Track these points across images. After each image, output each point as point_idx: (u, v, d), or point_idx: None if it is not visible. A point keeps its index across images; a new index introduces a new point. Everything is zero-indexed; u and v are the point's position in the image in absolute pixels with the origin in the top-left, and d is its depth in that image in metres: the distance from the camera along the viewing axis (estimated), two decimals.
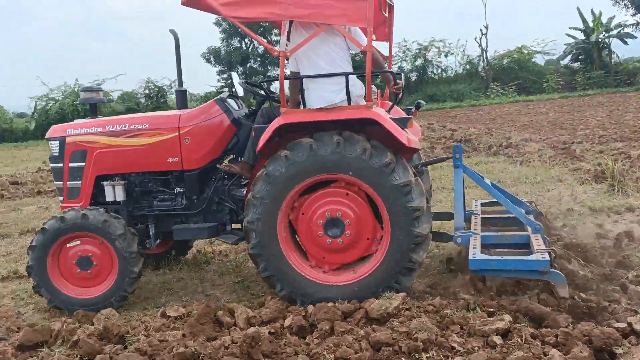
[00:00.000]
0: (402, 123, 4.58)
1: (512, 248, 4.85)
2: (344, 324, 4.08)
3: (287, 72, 4.87)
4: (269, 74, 37.56)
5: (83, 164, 5.41)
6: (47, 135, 5.68)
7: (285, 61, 4.58)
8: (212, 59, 36.50)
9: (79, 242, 5.05)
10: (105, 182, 5.39)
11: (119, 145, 5.33)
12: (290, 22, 4.81)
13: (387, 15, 5.46)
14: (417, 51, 38.98)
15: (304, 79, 4.78)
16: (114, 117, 5.84)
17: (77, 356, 3.93)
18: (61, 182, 5.55)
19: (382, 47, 7.44)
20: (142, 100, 38.35)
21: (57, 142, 5.55)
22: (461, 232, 4.99)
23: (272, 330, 4.10)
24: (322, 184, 4.66)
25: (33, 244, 5.06)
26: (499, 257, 4.47)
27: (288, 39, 4.75)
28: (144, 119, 5.41)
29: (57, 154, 5.54)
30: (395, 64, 38.74)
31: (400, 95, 5.24)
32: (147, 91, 38.33)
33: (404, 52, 38.78)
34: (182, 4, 4.92)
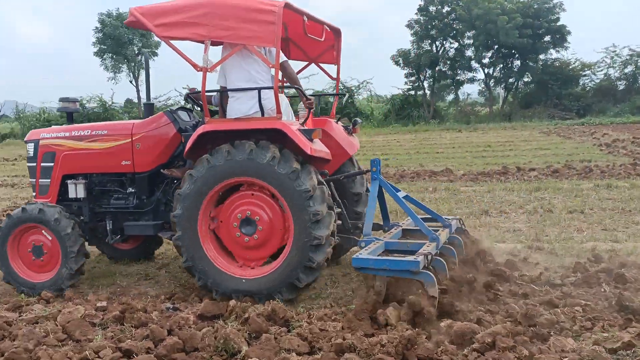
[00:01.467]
0: (307, 134, 4.94)
1: (410, 254, 4.74)
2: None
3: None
4: (458, 77, 36.79)
5: (52, 164, 6.04)
6: (26, 139, 6.32)
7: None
8: (400, 62, 36.72)
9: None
10: (69, 181, 5.98)
11: (81, 148, 5.96)
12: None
13: (322, 39, 5.79)
14: (628, 57, 35.23)
15: (228, 92, 5.30)
16: (83, 124, 6.36)
17: (246, 332, 4.24)
18: (34, 180, 6.20)
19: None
20: (332, 100, 39.92)
21: (32, 145, 6.22)
22: (367, 238, 5.01)
23: (428, 335, 4.02)
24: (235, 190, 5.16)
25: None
26: (377, 257, 4.62)
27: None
28: (103, 126, 6.05)
29: (32, 154, 6.21)
30: (601, 70, 35.55)
31: (311, 111, 5.49)
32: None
33: (612, 58, 35.32)
34: (125, 23, 5.58)
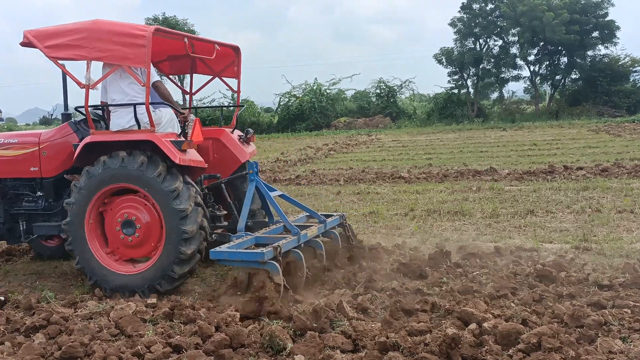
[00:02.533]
0: (178, 145, 5.45)
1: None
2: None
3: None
4: (502, 75, 36.15)
5: None
6: None
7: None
8: (443, 60, 36.36)
9: None
10: None
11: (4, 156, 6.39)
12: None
13: (212, 57, 6.38)
14: None
15: (109, 107, 5.92)
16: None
17: (291, 329, 4.32)
18: None
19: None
20: (374, 100, 39.84)
21: None
22: (239, 234, 5.59)
23: (475, 334, 4.02)
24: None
25: None
26: (232, 250, 5.15)
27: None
28: (14, 135, 6.57)
29: None
30: None
31: (185, 124, 6.06)
32: (378, 90, 39.72)
33: None
34: (20, 44, 5.98)
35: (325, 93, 39.19)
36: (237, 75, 6.94)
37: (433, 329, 4.17)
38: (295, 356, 3.88)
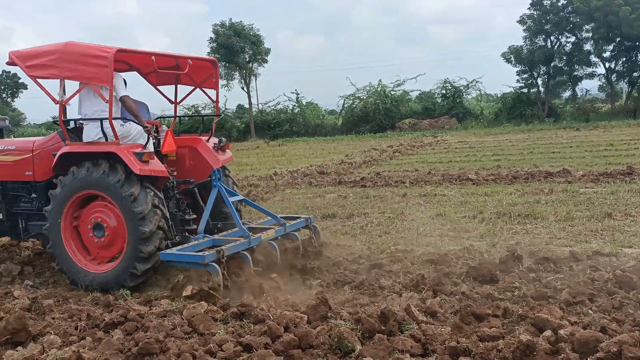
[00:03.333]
0: (139, 156, 5.91)
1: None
2: None
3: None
4: (575, 73, 34.75)
5: None
6: None
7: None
8: (512, 59, 35.34)
9: None
10: None
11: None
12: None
13: (184, 71, 7.04)
14: None
15: (83, 121, 6.49)
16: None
17: (359, 331, 4.32)
18: None
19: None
20: (439, 100, 39.26)
21: None
22: (199, 235, 6.19)
23: (550, 342, 3.88)
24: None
25: None
26: (178, 252, 5.70)
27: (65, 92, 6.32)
28: (13, 142, 7.20)
29: None
30: None
31: (149, 136, 6.35)
32: (443, 91, 39.10)
33: None
34: (7, 64, 6.59)
35: (389, 94, 38.95)
36: (215, 86, 7.51)
37: (506, 335, 4.06)
38: (364, 358, 3.87)
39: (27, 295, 5.84)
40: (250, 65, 40.81)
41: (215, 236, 6.28)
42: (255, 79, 42.48)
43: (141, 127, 6.47)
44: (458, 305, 4.89)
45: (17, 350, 4.49)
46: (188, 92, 7.78)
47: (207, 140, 7.21)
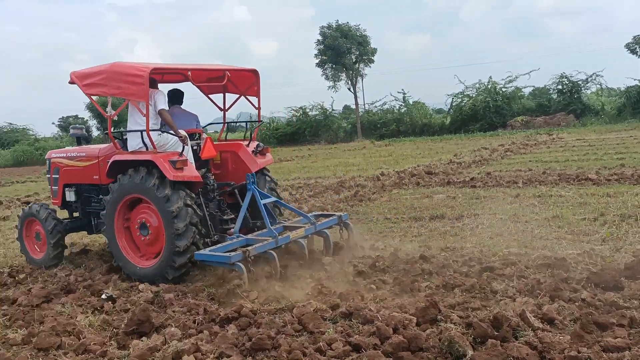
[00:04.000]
0: (173, 164, 6.51)
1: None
2: None
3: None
4: None
5: (57, 176, 8.24)
6: (46, 157, 8.64)
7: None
8: (637, 49, 32.77)
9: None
10: (67, 188, 8.12)
11: (72, 165, 8.06)
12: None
13: (223, 82, 7.77)
14: None
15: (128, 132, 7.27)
16: (74, 147, 8.29)
17: (470, 336, 4.20)
18: (50, 187, 8.52)
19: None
20: (554, 96, 37.26)
21: (48, 161, 8.49)
22: (234, 235, 6.81)
23: None
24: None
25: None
26: (210, 253, 6.26)
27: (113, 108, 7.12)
28: (83, 149, 8.04)
29: (48, 168, 8.49)
30: None
31: (186, 144, 7.14)
32: (559, 86, 37.05)
33: None
34: (69, 83, 7.35)
35: (500, 92, 37.48)
36: (257, 94, 8.04)
37: (632, 347, 3.77)
38: None
39: (150, 289, 6.23)
40: (357, 65, 40.97)
41: (250, 236, 6.81)
42: (362, 80, 42.61)
43: (175, 139, 7.12)
44: (578, 312, 4.61)
45: (142, 340, 4.81)
46: (234, 100, 8.37)
47: (248, 145, 7.78)
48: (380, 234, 8.61)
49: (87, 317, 5.55)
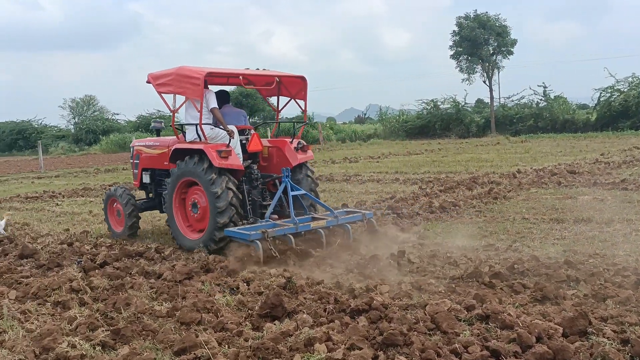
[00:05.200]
0: (219, 153, 7.60)
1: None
2: None
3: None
4: None
5: (138, 161, 9.58)
6: (131, 145, 10.07)
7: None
8: None
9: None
10: (144, 172, 9.47)
11: (149, 153, 9.37)
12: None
13: (272, 86, 8.80)
14: None
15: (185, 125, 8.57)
16: (153, 137, 9.70)
17: (627, 353, 3.82)
18: (132, 171, 9.95)
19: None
20: None
21: (132, 148, 9.91)
22: (264, 219, 7.76)
23: None
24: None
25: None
26: (236, 230, 7.30)
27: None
28: (158, 140, 9.37)
29: (132, 155, 9.91)
30: None
31: (232, 137, 8.05)
32: None
33: None
34: (146, 82, 8.54)
35: None
36: (304, 98, 8.90)
37: None
38: None
39: (283, 274, 6.35)
40: (494, 57, 39.35)
41: (278, 221, 7.76)
42: (499, 72, 40.89)
43: (225, 132, 8.16)
44: None
45: (274, 324, 4.90)
46: (285, 103, 9.31)
47: (291, 142, 8.62)
48: (518, 234, 8.13)
49: (225, 296, 5.77)
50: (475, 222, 9.22)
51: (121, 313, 5.34)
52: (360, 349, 4.22)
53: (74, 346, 4.49)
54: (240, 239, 7.23)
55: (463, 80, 40.75)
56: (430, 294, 5.50)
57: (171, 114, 8.42)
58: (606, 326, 4.30)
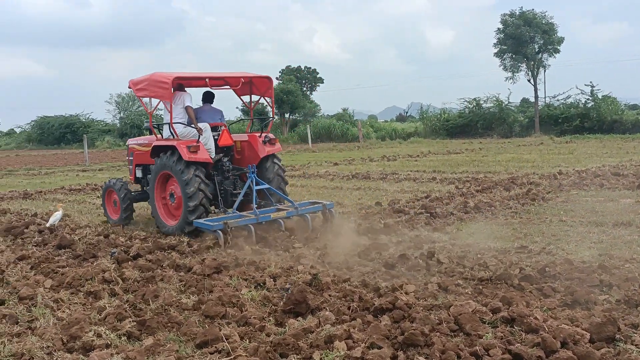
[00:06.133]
0: (189, 149, 8.64)
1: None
2: None
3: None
4: None
5: (132, 158, 10.67)
6: (126, 143, 11.40)
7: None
8: None
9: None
10: (137, 167, 10.54)
11: (140, 150, 10.36)
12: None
13: (238, 87, 9.95)
14: None
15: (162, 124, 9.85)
16: (144, 136, 11.14)
17: None
18: (128, 167, 11.10)
19: None
20: None
21: (127, 146, 11.12)
22: (231, 210, 8.87)
23: None
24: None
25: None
26: (201, 221, 8.40)
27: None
28: (148, 138, 10.44)
29: (127, 152, 11.09)
30: None
31: (202, 134, 9.17)
32: None
33: None
34: (128, 87, 9.78)
35: None
36: (271, 95, 9.94)
37: None
38: None
39: (310, 271, 6.37)
40: (540, 56, 38.42)
41: (244, 212, 8.68)
42: (544, 71, 39.89)
43: (204, 127, 9.18)
44: None
45: (297, 320, 4.92)
46: (257, 101, 10.42)
47: (260, 136, 9.58)
48: (553, 237, 7.92)
49: (250, 291, 5.82)
50: (510, 223, 9.04)
51: (149, 304, 5.46)
52: (380, 348, 4.20)
53: (99, 335, 4.62)
54: (205, 229, 8.26)
55: (507, 78, 39.89)
56: (456, 295, 5.42)
57: (148, 115, 9.73)
58: (635, 333, 4.17)
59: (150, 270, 6.75)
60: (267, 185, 9.08)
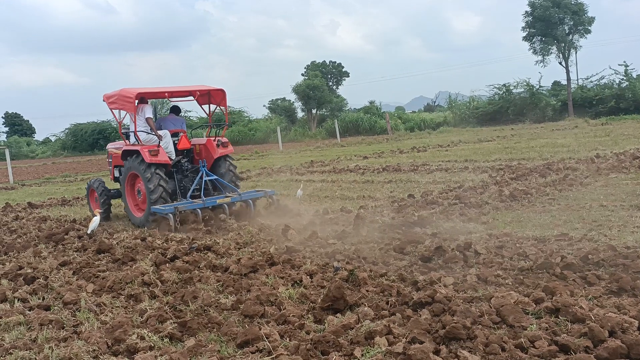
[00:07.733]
0: (151, 152, 10.26)
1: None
2: None
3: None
4: None
5: (111, 160, 12.23)
6: (106, 147, 13.19)
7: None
8: None
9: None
10: (115, 168, 12.03)
11: (116, 153, 11.82)
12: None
13: (195, 99, 11.77)
14: None
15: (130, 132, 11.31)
16: (121, 141, 12.19)
17: None
18: (108, 167, 12.84)
19: None
20: None
21: (107, 150, 12.84)
22: (186, 199, 10.55)
23: None
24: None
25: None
26: (158, 207, 9.95)
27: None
28: (121, 143, 11.86)
29: (107, 155, 12.74)
30: None
31: (161, 140, 10.81)
32: None
33: None
34: (103, 101, 11.37)
35: None
36: (225, 105, 11.53)
37: None
38: None
39: (345, 267, 6.34)
40: (570, 37, 37.61)
41: (195, 200, 10.25)
42: (576, 52, 39.05)
43: (164, 135, 10.84)
44: None
45: (336, 317, 4.90)
46: (213, 109, 11.97)
47: (214, 140, 11.19)
48: (594, 222, 7.74)
49: (287, 289, 5.82)
50: (548, 210, 8.86)
51: (189, 306, 5.50)
52: (422, 342, 4.14)
53: (142, 338, 4.67)
54: (160, 214, 9.87)
55: (537, 62, 39.27)
56: (497, 286, 5.33)
57: (117, 124, 11.70)
58: None
59: (187, 271, 6.81)
60: (215, 177, 10.81)
